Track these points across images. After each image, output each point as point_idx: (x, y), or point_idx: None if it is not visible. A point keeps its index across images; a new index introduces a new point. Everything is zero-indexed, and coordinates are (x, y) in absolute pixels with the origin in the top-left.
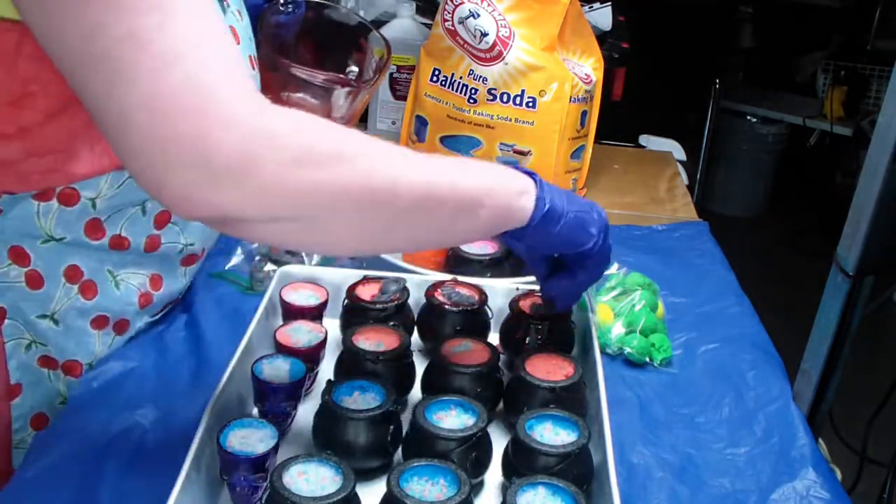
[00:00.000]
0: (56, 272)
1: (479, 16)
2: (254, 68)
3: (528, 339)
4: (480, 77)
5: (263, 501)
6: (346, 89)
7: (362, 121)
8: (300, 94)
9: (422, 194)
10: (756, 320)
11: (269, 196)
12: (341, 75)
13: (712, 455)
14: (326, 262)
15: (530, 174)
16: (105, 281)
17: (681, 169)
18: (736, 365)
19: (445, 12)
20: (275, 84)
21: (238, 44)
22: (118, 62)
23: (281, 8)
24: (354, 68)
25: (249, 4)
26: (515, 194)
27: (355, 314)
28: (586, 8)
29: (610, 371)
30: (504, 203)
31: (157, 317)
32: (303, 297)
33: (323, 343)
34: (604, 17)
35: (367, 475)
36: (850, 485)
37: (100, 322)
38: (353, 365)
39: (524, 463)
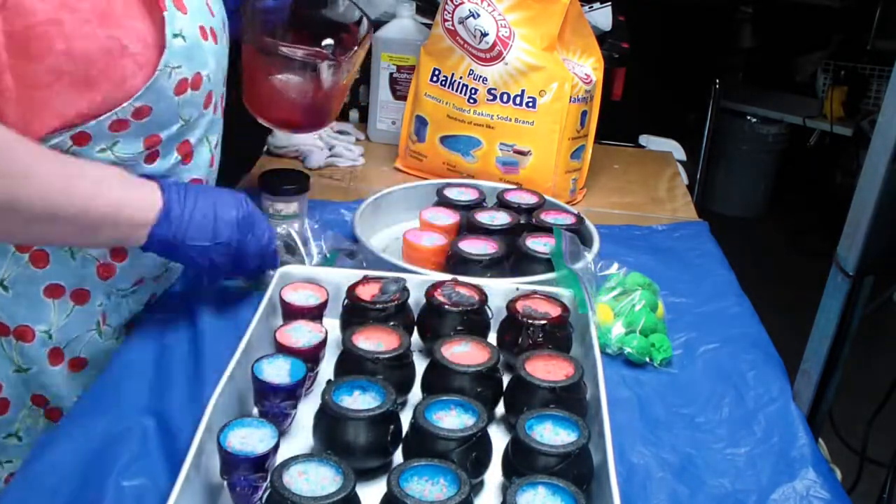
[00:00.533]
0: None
1: (479, 16)
2: (206, 38)
3: (520, 339)
4: (480, 77)
5: (263, 501)
6: (327, 63)
7: (362, 121)
8: (285, 76)
9: (43, 214)
10: (756, 320)
11: None
12: (320, 49)
13: (712, 455)
14: (327, 262)
15: (165, 201)
16: (58, 250)
17: (681, 169)
18: (736, 365)
19: (445, 12)
20: (261, 68)
21: (185, 12)
22: None
23: None
24: (330, 41)
25: None
26: (131, 227)
27: (355, 314)
28: (586, 8)
29: (610, 371)
30: (122, 234)
31: (130, 292)
32: (303, 297)
33: (323, 343)
34: (604, 17)
35: (367, 475)
36: (850, 485)
37: (54, 291)
38: (353, 365)
39: (524, 463)
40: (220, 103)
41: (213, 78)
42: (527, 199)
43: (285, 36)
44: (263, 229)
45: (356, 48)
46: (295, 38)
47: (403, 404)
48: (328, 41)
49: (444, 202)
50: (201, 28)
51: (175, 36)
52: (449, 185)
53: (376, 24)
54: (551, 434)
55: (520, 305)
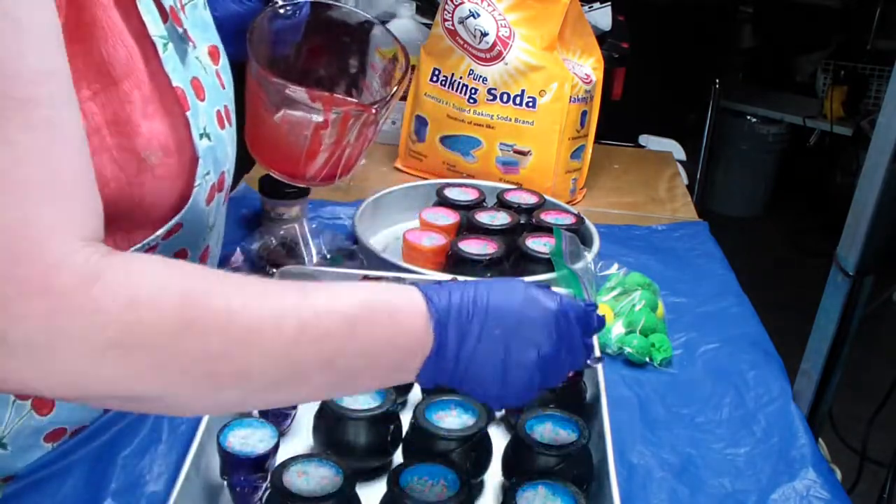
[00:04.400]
0: None
1: (479, 16)
2: (224, 126)
3: None
4: (480, 77)
5: (263, 501)
6: (351, 110)
7: None
8: (300, 113)
9: (279, 379)
10: (756, 320)
11: (74, 380)
12: (342, 97)
13: (712, 455)
14: (328, 262)
15: (436, 340)
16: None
17: (681, 169)
18: (736, 365)
19: (445, 12)
20: (269, 103)
21: (203, 100)
22: None
23: (280, 11)
24: (376, 85)
25: (227, 14)
26: (398, 373)
27: None
28: (586, 8)
29: (610, 371)
30: (384, 382)
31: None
32: None
33: None
34: (604, 17)
35: (367, 475)
36: (850, 485)
37: (55, 435)
38: None
39: (524, 463)
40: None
41: (231, 167)
42: (527, 199)
43: (297, 59)
44: (578, 349)
45: (393, 90)
46: (310, 60)
47: (403, 404)
48: (374, 86)
49: (444, 202)
50: (218, 114)
51: (202, 136)
52: (449, 185)
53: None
54: (551, 434)
55: None
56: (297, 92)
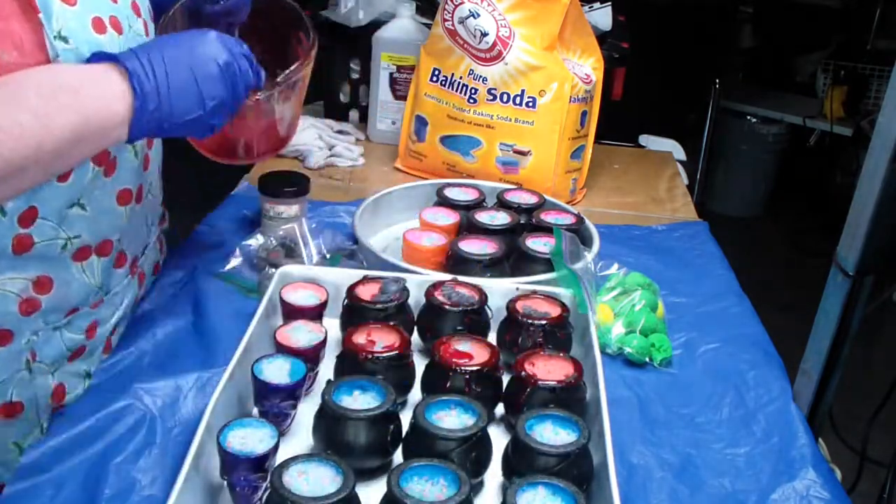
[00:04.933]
0: None
1: (479, 16)
2: (105, 31)
3: (520, 339)
4: (480, 77)
5: (263, 501)
6: (263, 94)
7: (362, 121)
8: None
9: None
10: (756, 320)
11: None
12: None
13: (712, 455)
14: (331, 262)
15: (132, 86)
16: None
17: (681, 169)
18: (736, 365)
19: (445, 12)
20: None
21: (73, 4)
22: None
23: None
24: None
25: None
26: (106, 133)
27: (355, 314)
28: (586, 8)
29: (610, 371)
30: (99, 144)
31: (63, 324)
32: (303, 297)
33: (323, 343)
34: (604, 17)
35: (367, 475)
36: (850, 485)
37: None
38: (352, 365)
39: (524, 463)
40: None
41: None
42: (527, 199)
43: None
44: (247, 68)
45: (295, 66)
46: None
47: (403, 404)
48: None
49: (444, 202)
50: (95, 21)
51: (58, 38)
52: (449, 185)
53: (376, 25)
54: (551, 434)
55: (520, 305)
56: None
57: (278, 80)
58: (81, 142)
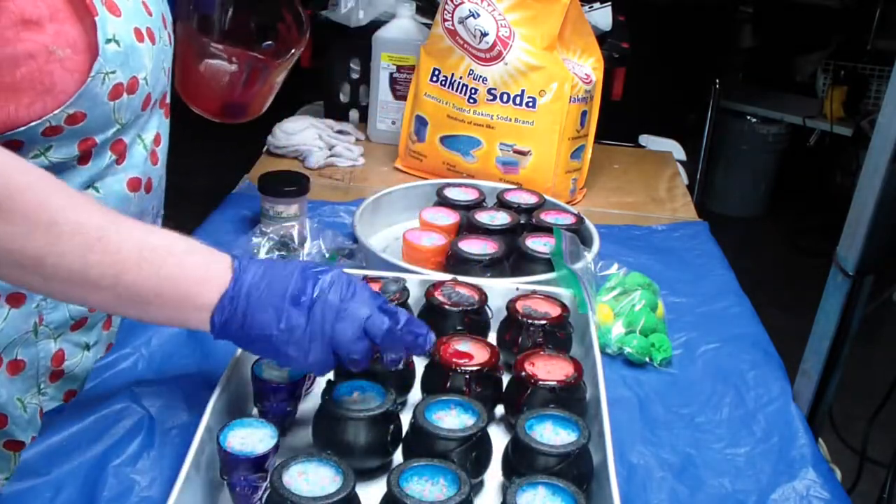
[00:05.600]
0: None
1: (479, 16)
2: (143, 40)
3: (520, 339)
4: (480, 77)
5: (263, 501)
6: (261, 66)
7: (362, 121)
8: (219, 62)
9: (72, 277)
10: (756, 320)
11: None
12: (254, 54)
13: (712, 455)
14: (328, 261)
15: (234, 277)
16: None
17: (681, 169)
18: (736, 365)
19: (445, 12)
20: (194, 54)
21: (119, 16)
22: None
23: None
24: (270, 42)
25: None
26: (192, 309)
27: None
28: (586, 8)
29: (610, 371)
30: (177, 317)
31: None
32: None
33: None
34: (604, 17)
35: (367, 475)
36: (850, 485)
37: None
38: None
39: (524, 463)
40: (163, 100)
41: (151, 79)
42: (527, 199)
43: (221, 16)
44: (356, 323)
45: (293, 51)
46: (230, 20)
47: (403, 404)
48: (268, 44)
49: (444, 202)
50: (136, 30)
51: (108, 41)
52: (449, 185)
53: (376, 25)
54: (551, 434)
55: (520, 305)
56: (218, 49)
57: (292, 53)
58: (160, 300)
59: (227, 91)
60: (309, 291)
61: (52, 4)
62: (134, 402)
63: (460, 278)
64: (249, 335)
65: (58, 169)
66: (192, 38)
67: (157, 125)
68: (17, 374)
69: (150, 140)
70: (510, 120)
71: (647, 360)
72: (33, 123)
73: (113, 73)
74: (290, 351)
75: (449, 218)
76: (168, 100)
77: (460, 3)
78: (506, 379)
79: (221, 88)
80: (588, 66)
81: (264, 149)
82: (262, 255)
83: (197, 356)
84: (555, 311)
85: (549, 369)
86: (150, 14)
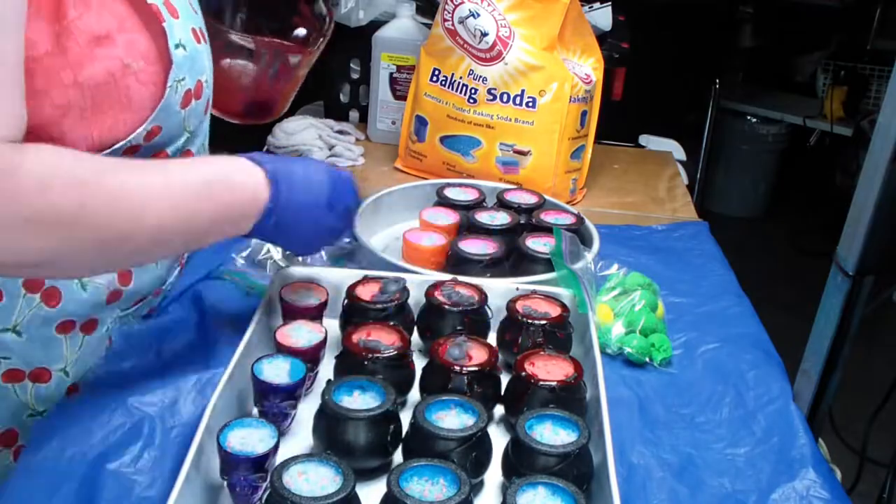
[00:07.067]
0: (15, 283)
1: (479, 16)
2: (200, 41)
3: (520, 339)
4: (480, 77)
5: (263, 501)
6: (289, 56)
7: (362, 121)
8: (241, 62)
9: (154, 240)
10: (756, 320)
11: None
12: (279, 40)
13: (712, 455)
14: (328, 262)
15: (272, 184)
16: (69, 284)
17: (681, 169)
18: (736, 365)
19: (445, 12)
20: (214, 51)
21: (177, 18)
22: None
23: None
24: (302, 31)
25: None
26: (240, 221)
27: (355, 314)
28: (586, 8)
29: (610, 371)
30: (227, 233)
31: (132, 311)
32: (303, 297)
33: (323, 343)
34: (604, 17)
35: (367, 475)
36: (850, 485)
37: (66, 326)
38: (352, 365)
39: (524, 463)
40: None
41: (209, 81)
42: (527, 199)
43: (235, 12)
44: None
45: (320, 41)
46: (247, 15)
47: (403, 404)
48: (299, 30)
49: (444, 202)
50: (194, 31)
51: (177, 47)
52: (449, 185)
53: (376, 25)
54: (551, 434)
55: (520, 305)
56: (244, 38)
57: (315, 47)
58: (216, 226)
59: (253, 87)
60: (341, 199)
61: (118, 14)
62: (134, 402)
63: (460, 278)
64: (287, 236)
65: None
66: (213, 33)
67: (206, 129)
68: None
69: (204, 145)
70: (510, 120)
71: (647, 360)
72: (117, 146)
73: (182, 80)
74: (315, 244)
75: (449, 218)
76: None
77: (460, 3)
78: (506, 379)
79: (245, 86)
80: (588, 66)
81: (264, 149)
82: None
83: (198, 356)
84: (555, 311)
85: (549, 369)
86: (196, 12)
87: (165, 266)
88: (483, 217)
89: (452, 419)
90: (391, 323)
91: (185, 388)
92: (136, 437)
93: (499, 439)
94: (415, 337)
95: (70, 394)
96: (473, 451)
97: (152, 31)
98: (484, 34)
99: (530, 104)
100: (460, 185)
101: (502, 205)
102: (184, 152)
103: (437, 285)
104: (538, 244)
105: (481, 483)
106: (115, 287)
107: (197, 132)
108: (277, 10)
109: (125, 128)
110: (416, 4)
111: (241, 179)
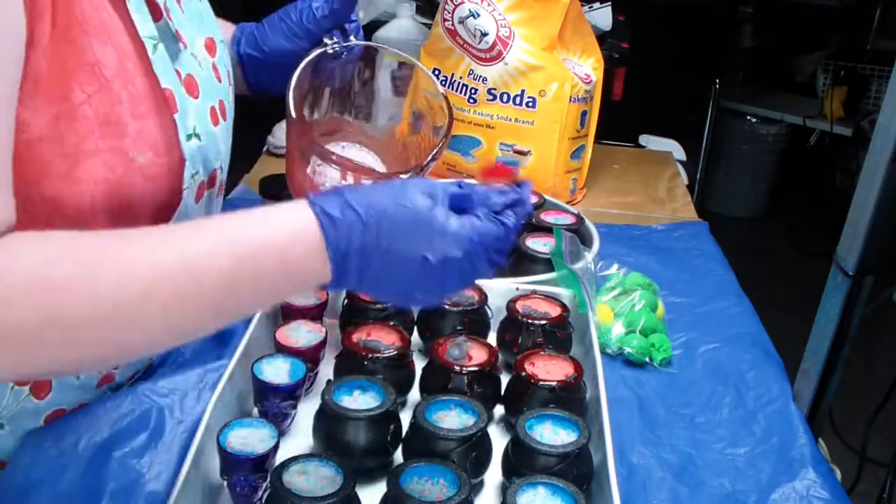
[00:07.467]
0: None
1: (479, 16)
2: (217, 122)
3: (520, 339)
4: (480, 77)
5: (263, 501)
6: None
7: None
8: (331, 173)
9: (163, 333)
10: (756, 320)
11: None
12: (378, 171)
13: (712, 455)
14: None
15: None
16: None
17: (681, 169)
18: (736, 365)
19: (445, 12)
20: (301, 153)
21: (197, 97)
22: None
23: (329, 52)
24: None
25: (276, 48)
26: (294, 291)
27: (355, 314)
28: (586, 8)
29: (610, 371)
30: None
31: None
32: (303, 297)
33: (323, 343)
34: (604, 17)
35: (367, 475)
36: (850, 485)
37: (55, 416)
38: (352, 365)
39: (524, 463)
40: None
41: (225, 162)
42: None
43: (339, 99)
44: (482, 261)
45: (432, 153)
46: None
47: (403, 404)
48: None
49: None
50: (212, 110)
51: (189, 137)
52: None
53: (376, 25)
54: (551, 434)
55: (520, 305)
56: (334, 167)
57: (423, 164)
58: (266, 300)
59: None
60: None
61: (134, 97)
62: (140, 398)
63: None
64: (387, 291)
65: None
66: (306, 142)
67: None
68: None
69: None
70: (510, 120)
71: (647, 360)
72: None
73: (196, 173)
74: (431, 299)
75: None
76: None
77: (460, 3)
78: (506, 379)
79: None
80: (588, 66)
81: (264, 148)
82: None
83: (198, 356)
84: (555, 311)
85: (549, 369)
86: (220, 80)
87: None
88: None
89: (452, 419)
90: (391, 323)
91: (195, 383)
92: (145, 427)
93: (499, 439)
94: (415, 337)
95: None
96: (473, 451)
97: (163, 116)
98: (484, 34)
99: (530, 104)
100: None
101: None
102: None
103: None
104: (538, 244)
105: (481, 483)
106: (108, 371)
107: (209, 213)
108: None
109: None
110: (416, 4)
111: (296, 255)
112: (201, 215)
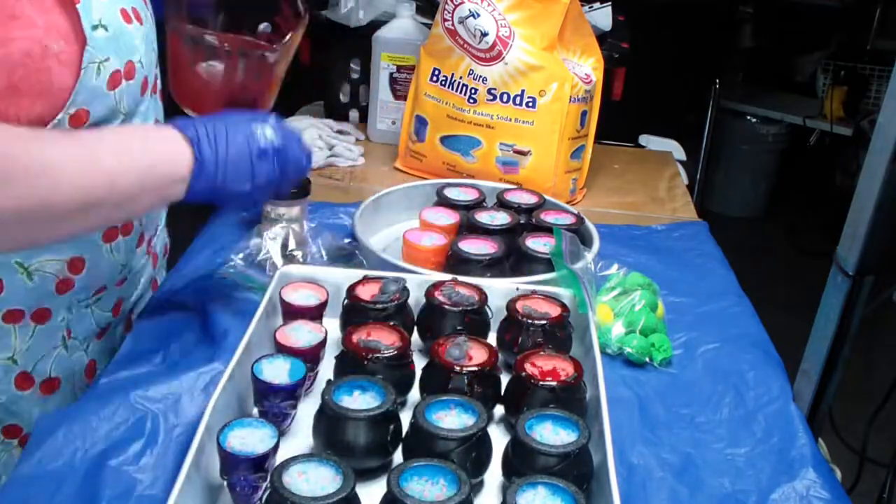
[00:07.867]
0: None
1: (479, 15)
2: (130, 21)
3: (520, 339)
4: (480, 77)
5: (263, 501)
6: (259, 53)
7: (362, 121)
8: (214, 63)
9: (79, 204)
10: (756, 320)
11: None
12: (250, 38)
13: (712, 455)
14: (328, 262)
15: (193, 142)
16: (10, 274)
17: (681, 169)
18: (736, 365)
19: (445, 12)
20: (187, 56)
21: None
22: None
23: None
24: (267, 25)
25: None
26: (166, 188)
27: (355, 314)
28: (586, 8)
29: (610, 371)
30: (158, 198)
31: (93, 301)
32: (303, 297)
33: (323, 343)
34: (604, 17)
35: (367, 475)
36: (850, 485)
37: (14, 316)
38: (352, 365)
39: (524, 463)
40: (157, 84)
41: (146, 62)
42: (527, 199)
43: (215, 16)
44: (299, 154)
45: (290, 35)
46: (226, 18)
47: (403, 404)
48: (264, 25)
49: (444, 202)
50: (123, 11)
51: (95, 27)
52: (449, 185)
53: (376, 25)
54: (551, 434)
55: (520, 305)
56: (210, 37)
57: (289, 37)
58: (146, 189)
59: (227, 88)
60: (269, 144)
61: None
62: (137, 400)
63: (460, 278)
64: (224, 193)
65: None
66: (184, 35)
67: (155, 110)
68: (52, 393)
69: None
70: (510, 120)
71: (647, 360)
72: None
73: (107, 60)
74: (257, 196)
75: (449, 218)
76: (160, 85)
77: (460, 3)
78: (506, 379)
79: (221, 87)
80: (588, 66)
81: None
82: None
83: (199, 356)
84: (555, 311)
85: (548, 369)
86: None
87: (122, 252)
88: (483, 217)
89: (452, 419)
90: (391, 323)
91: (187, 388)
92: (139, 434)
93: (499, 439)
94: (415, 337)
95: (22, 382)
96: (473, 451)
97: (68, 11)
98: (484, 34)
99: (530, 104)
100: (460, 185)
101: (502, 205)
102: None
103: (437, 285)
104: (538, 244)
105: (481, 483)
106: (64, 276)
107: (133, 113)
108: (257, 11)
109: (46, 111)
110: (416, 4)
111: (161, 140)
112: (120, 104)
